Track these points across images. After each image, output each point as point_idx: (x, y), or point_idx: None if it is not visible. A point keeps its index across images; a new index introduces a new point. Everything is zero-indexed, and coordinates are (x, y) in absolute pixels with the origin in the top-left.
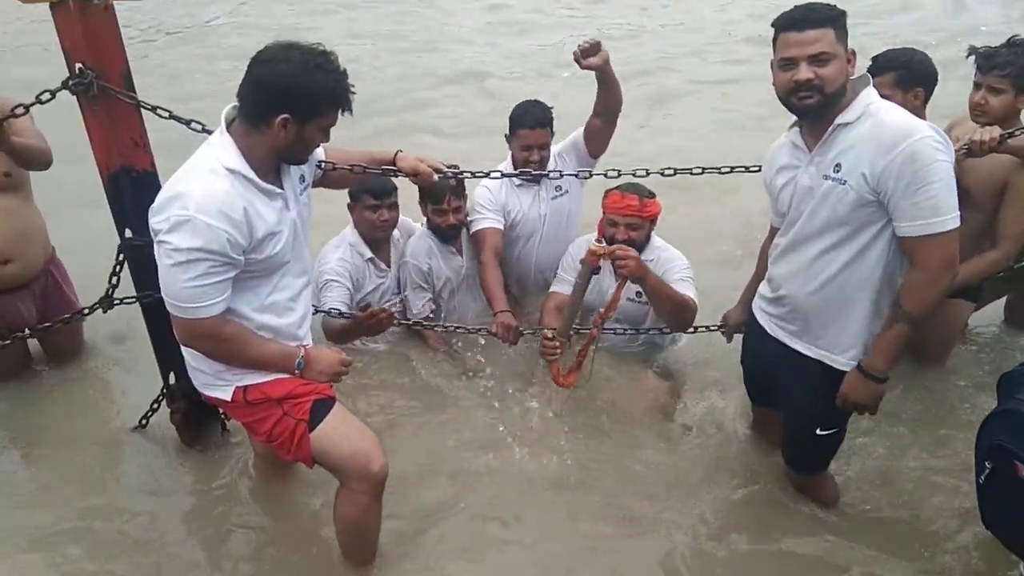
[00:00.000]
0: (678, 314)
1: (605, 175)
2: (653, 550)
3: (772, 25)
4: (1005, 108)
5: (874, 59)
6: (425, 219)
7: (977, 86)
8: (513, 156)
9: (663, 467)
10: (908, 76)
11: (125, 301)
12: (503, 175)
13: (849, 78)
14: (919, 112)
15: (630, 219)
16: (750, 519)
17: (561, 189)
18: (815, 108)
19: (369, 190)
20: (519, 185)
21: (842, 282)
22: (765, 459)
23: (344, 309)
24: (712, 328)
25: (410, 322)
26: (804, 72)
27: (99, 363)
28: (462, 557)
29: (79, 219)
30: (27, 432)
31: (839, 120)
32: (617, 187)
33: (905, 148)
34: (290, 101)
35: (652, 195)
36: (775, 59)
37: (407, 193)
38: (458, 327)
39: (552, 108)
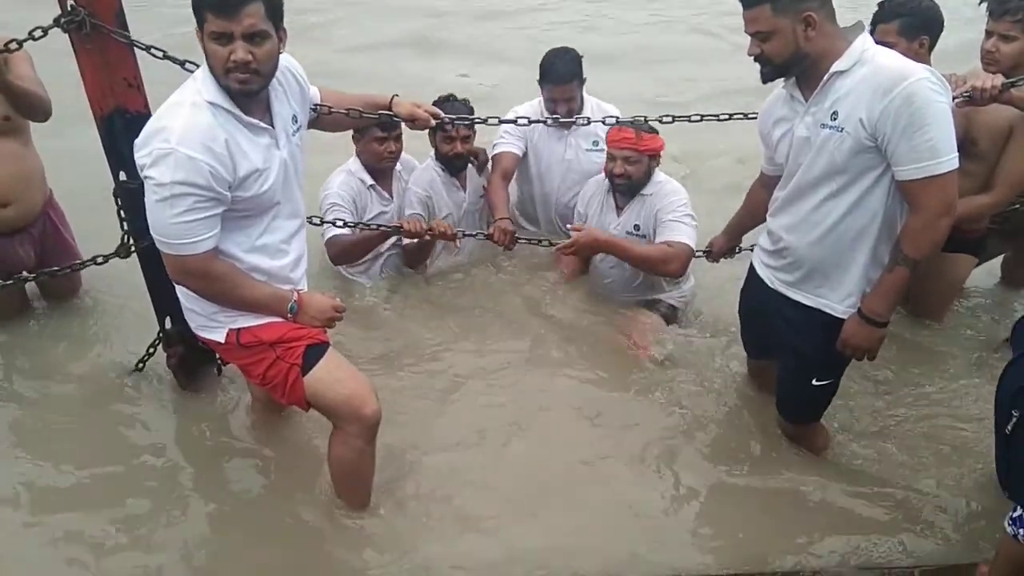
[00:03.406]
0: (657, 269)
1: (603, 122)
2: (641, 490)
3: None
4: (1017, 55)
5: (880, 5)
6: (433, 150)
7: (988, 34)
8: (543, 99)
9: (654, 409)
10: (913, 23)
11: (135, 248)
12: (500, 121)
13: (810, 41)
14: (924, 60)
15: (626, 152)
16: (740, 462)
17: (597, 145)
18: (770, 77)
19: (376, 123)
20: (549, 124)
21: (843, 231)
22: (758, 405)
23: (346, 230)
24: (697, 254)
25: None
26: (751, 48)
27: (96, 306)
28: (458, 502)
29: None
30: (24, 374)
31: (834, 68)
32: (618, 121)
33: (901, 90)
34: (193, 11)
35: (653, 131)
36: None
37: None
38: (459, 231)
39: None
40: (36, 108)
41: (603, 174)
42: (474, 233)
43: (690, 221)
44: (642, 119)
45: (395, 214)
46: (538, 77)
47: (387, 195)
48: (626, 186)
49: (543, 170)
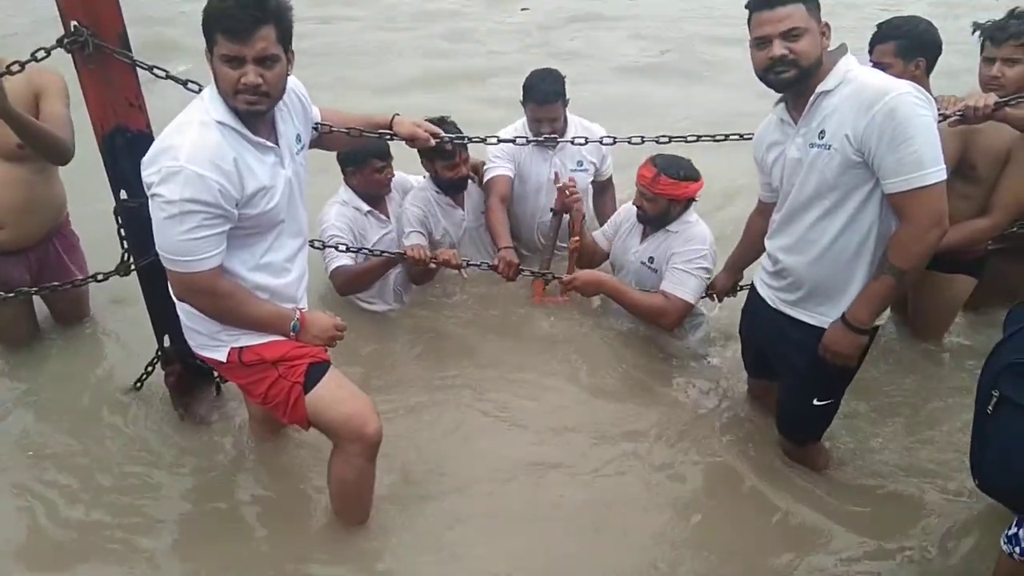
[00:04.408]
0: (650, 319)
1: (600, 142)
2: (637, 508)
3: (745, 6)
4: (1022, 78)
5: (878, 27)
6: (430, 174)
7: (989, 60)
8: (527, 119)
9: (653, 427)
10: (910, 45)
11: (135, 266)
12: (499, 140)
13: (825, 50)
14: (920, 82)
15: (642, 188)
16: (739, 482)
17: (582, 165)
18: (792, 81)
19: (374, 154)
20: (534, 145)
21: (839, 249)
22: (759, 425)
23: (350, 261)
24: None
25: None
26: (778, 49)
27: (101, 325)
28: (457, 519)
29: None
30: (26, 392)
31: (819, 88)
32: (659, 155)
33: (884, 105)
34: (203, 33)
35: (688, 177)
36: (750, 38)
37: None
38: (465, 260)
39: (566, 77)
40: (47, 148)
41: None
42: (478, 263)
43: (701, 274)
44: (639, 140)
45: (396, 236)
46: (521, 98)
47: (384, 217)
48: (642, 217)
49: (529, 190)
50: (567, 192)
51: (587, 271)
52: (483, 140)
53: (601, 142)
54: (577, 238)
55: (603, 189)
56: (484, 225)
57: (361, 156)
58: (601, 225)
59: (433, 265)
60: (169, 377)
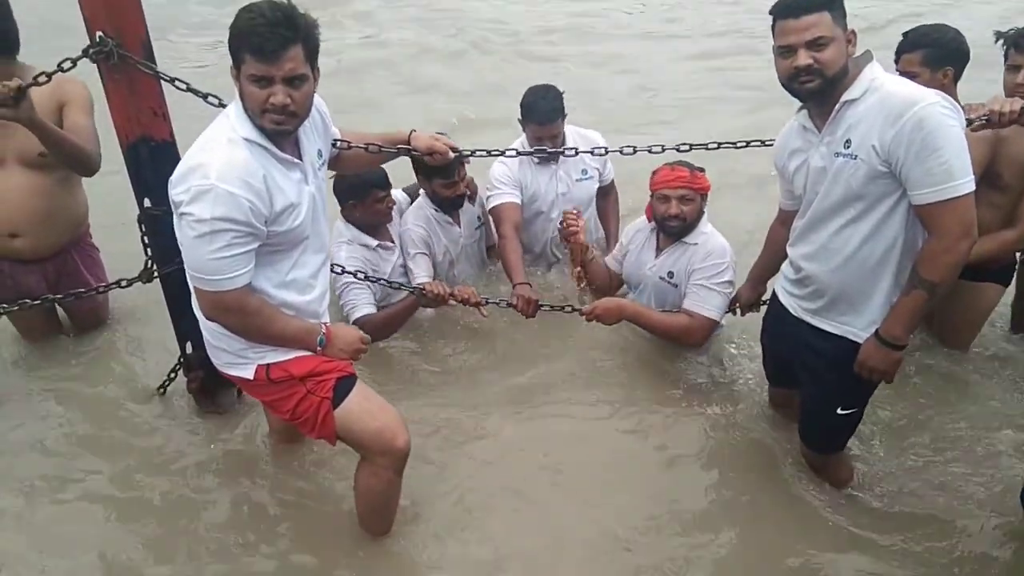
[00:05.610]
0: (676, 340)
1: (620, 151)
2: (659, 519)
3: (770, 12)
4: None
5: (905, 35)
6: (427, 192)
7: (1014, 68)
8: (527, 138)
9: (676, 435)
10: (938, 54)
11: (158, 273)
12: (518, 153)
13: (850, 57)
14: (948, 91)
15: (681, 191)
16: (762, 493)
17: (587, 173)
18: (817, 91)
19: (376, 184)
20: (537, 163)
21: (863, 257)
22: (781, 434)
23: (373, 309)
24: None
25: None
26: (803, 58)
27: (122, 330)
28: (478, 529)
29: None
30: (51, 398)
31: (845, 97)
32: (664, 164)
33: (912, 115)
34: (230, 51)
35: (701, 169)
36: (775, 46)
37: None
38: (485, 298)
39: (564, 93)
40: (73, 159)
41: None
42: (497, 300)
43: (723, 288)
44: (659, 148)
45: (401, 258)
46: (519, 116)
47: (391, 244)
48: (680, 228)
49: (541, 207)
50: (566, 225)
51: (607, 299)
52: (502, 153)
53: (621, 152)
54: (579, 269)
55: (606, 193)
56: (477, 240)
57: (362, 188)
58: (605, 231)
59: (452, 303)
60: (192, 384)
